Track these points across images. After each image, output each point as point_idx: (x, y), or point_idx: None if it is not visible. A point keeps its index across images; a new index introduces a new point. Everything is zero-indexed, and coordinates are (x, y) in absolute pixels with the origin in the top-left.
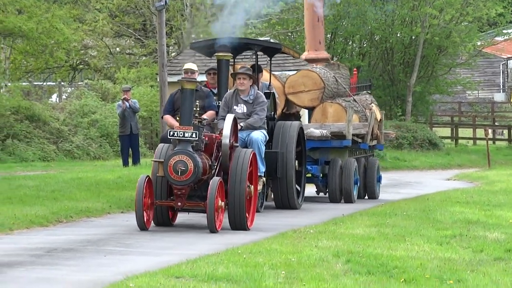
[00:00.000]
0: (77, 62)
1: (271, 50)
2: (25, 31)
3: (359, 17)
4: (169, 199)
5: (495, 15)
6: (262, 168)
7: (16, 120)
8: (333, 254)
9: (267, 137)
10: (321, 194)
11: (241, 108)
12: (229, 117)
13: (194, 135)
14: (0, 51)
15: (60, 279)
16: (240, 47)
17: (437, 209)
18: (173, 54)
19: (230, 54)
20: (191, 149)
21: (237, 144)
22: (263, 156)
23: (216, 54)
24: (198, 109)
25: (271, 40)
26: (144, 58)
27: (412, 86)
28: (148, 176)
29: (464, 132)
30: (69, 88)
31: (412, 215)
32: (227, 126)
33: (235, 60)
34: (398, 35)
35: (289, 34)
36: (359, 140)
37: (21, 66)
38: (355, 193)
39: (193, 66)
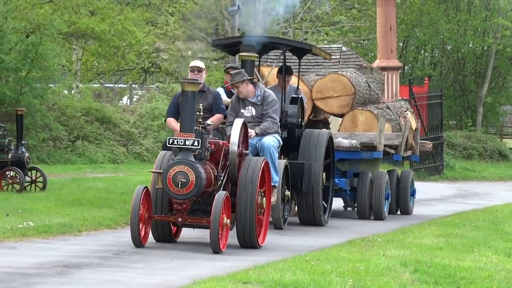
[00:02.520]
0: (149, 65)
1: (300, 51)
2: (97, 33)
3: (432, 26)
4: (170, 213)
5: None
6: (275, 178)
7: (86, 121)
8: (400, 263)
9: (281, 142)
10: (349, 209)
11: (249, 111)
12: (238, 122)
13: (196, 143)
14: (72, 53)
15: (127, 282)
16: (266, 46)
17: (506, 221)
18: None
19: (255, 55)
20: (193, 159)
21: (247, 152)
22: (276, 163)
23: (240, 54)
24: (201, 113)
25: (343, 48)
26: (215, 62)
27: (483, 97)
28: (146, 187)
29: None
30: (140, 91)
31: (480, 226)
32: (235, 132)
33: (261, 61)
34: (470, 45)
35: (361, 41)
36: (392, 151)
37: (92, 68)
38: (385, 209)
39: (200, 64)
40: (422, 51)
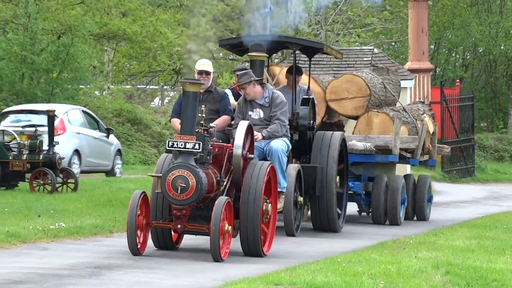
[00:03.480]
0: (180, 66)
1: (311, 50)
2: (129, 34)
3: (463, 28)
4: (169, 219)
5: None
6: (283, 183)
7: (118, 122)
8: (432, 265)
9: (290, 146)
10: (363, 214)
11: (257, 114)
12: (243, 124)
13: (197, 146)
14: (103, 54)
15: (158, 283)
16: (276, 46)
17: None
18: (276, 61)
19: (264, 54)
20: (193, 163)
21: (252, 156)
22: (285, 168)
23: (248, 54)
24: (204, 115)
25: (375, 50)
26: (246, 64)
27: None
28: (143, 192)
29: None
30: (172, 92)
31: None
32: (239, 135)
33: (270, 60)
34: (502, 47)
35: (393, 43)
36: (408, 155)
37: (124, 69)
38: (401, 214)
39: (208, 67)
40: (454, 53)
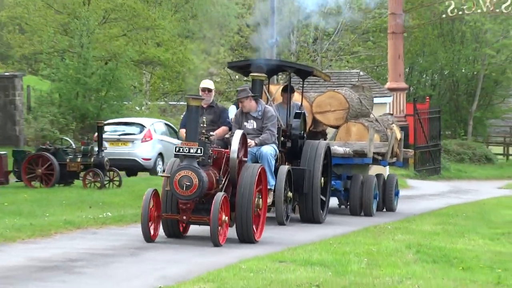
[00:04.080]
0: None
1: (303, 73)
2: (162, 61)
3: (432, 55)
4: (176, 212)
5: None
6: (272, 182)
7: None
8: (405, 245)
9: (277, 151)
10: (343, 207)
11: (251, 124)
12: (238, 133)
13: (199, 151)
14: (142, 76)
15: (188, 260)
16: (274, 68)
17: (491, 212)
18: (281, 81)
19: (264, 75)
20: (196, 165)
21: (246, 159)
22: (273, 169)
23: (250, 74)
24: (205, 125)
25: (361, 73)
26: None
27: (473, 112)
28: (155, 189)
29: None
30: None
31: (470, 216)
32: (235, 141)
33: (269, 81)
34: (463, 70)
35: (375, 67)
36: (380, 158)
37: (159, 89)
38: (374, 206)
39: (210, 85)
40: (424, 75)
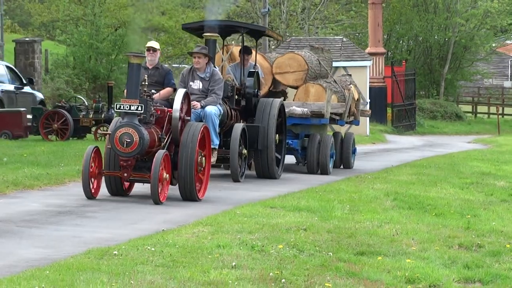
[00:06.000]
0: None
1: (256, 33)
2: (166, 27)
3: (408, 23)
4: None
5: (506, 25)
6: (216, 141)
7: None
8: (384, 193)
9: (221, 111)
10: (300, 164)
11: (197, 84)
12: (180, 92)
13: (140, 108)
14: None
15: (196, 205)
16: (227, 29)
17: (460, 164)
18: (272, 47)
19: (216, 35)
20: (137, 122)
21: (188, 118)
22: (217, 128)
23: (204, 34)
24: (146, 83)
25: (344, 39)
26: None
27: (444, 75)
28: (96, 147)
29: (481, 108)
30: None
31: (442, 167)
32: (177, 100)
33: (225, 42)
34: (436, 37)
35: (357, 34)
36: (337, 118)
37: (163, 53)
38: (330, 165)
39: (155, 44)
40: (401, 41)
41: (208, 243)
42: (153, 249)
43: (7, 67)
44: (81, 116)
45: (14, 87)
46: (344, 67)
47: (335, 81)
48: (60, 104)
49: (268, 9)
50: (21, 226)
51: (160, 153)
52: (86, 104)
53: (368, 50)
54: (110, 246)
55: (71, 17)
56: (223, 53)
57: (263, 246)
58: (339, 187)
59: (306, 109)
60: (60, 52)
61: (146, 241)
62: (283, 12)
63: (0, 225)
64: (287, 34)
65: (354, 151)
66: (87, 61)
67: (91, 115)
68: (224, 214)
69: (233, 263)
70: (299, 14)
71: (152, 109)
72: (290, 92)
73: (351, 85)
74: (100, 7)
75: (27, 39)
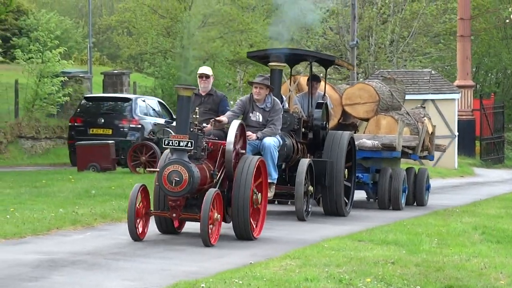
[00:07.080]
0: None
1: (325, 62)
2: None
3: (496, 56)
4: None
5: None
6: (274, 175)
7: None
8: (472, 227)
9: (281, 142)
10: (371, 200)
11: (255, 116)
12: (235, 123)
13: (189, 144)
14: (236, 74)
15: (277, 239)
16: (294, 58)
17: None
18: (361, 79)
19: (283, 64)
20: (187, 159)
21: (244, 151)
22: (276, 161)
23: (269, 64)
24: (197, 116)
25: (432, 72)
26: (339, 82)
27: None
28: (143, 185)
29: None
30: None
31: None
32: (231, 132)
33: (292, 71)
34: None
35: (446, 67)
36: (410, 152)
37: None
38: (403, 200)
39: (207, 71)
40: (489, 74)
41: (296, 276)
42: (240, 282)
43: (159, 102)
44: None
45: (165, 121)
46: (433, 100)
47: (408, 113)
48: (148, 137)
49: (357, 41)
50: (108, 258)
51: (211, 192)
52: None
53: (456, 82)
54: (197, 279)
55: (159, 50)
56: (290, 83)
57: (351, 280)
58: (427, 221)
59: (377, 142)
60: (148, 84)
61: (234, 274)
62: (372, 44)
63: (88, 258)
64: (375, 67)
65: (428, 188)
66: (175, 93)
67: None
68: (312, 247)
69: None
70: (388, 46)
71: (204, 143)
72: (362, 124)
73: (425, 118)
74: (188, 39)
75: (115, 71)
